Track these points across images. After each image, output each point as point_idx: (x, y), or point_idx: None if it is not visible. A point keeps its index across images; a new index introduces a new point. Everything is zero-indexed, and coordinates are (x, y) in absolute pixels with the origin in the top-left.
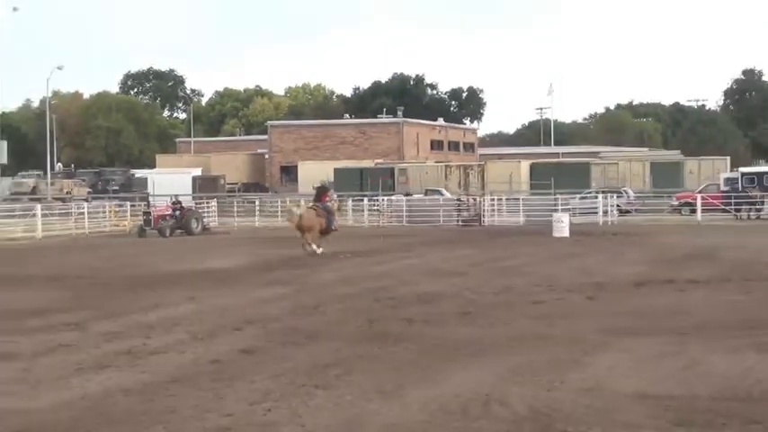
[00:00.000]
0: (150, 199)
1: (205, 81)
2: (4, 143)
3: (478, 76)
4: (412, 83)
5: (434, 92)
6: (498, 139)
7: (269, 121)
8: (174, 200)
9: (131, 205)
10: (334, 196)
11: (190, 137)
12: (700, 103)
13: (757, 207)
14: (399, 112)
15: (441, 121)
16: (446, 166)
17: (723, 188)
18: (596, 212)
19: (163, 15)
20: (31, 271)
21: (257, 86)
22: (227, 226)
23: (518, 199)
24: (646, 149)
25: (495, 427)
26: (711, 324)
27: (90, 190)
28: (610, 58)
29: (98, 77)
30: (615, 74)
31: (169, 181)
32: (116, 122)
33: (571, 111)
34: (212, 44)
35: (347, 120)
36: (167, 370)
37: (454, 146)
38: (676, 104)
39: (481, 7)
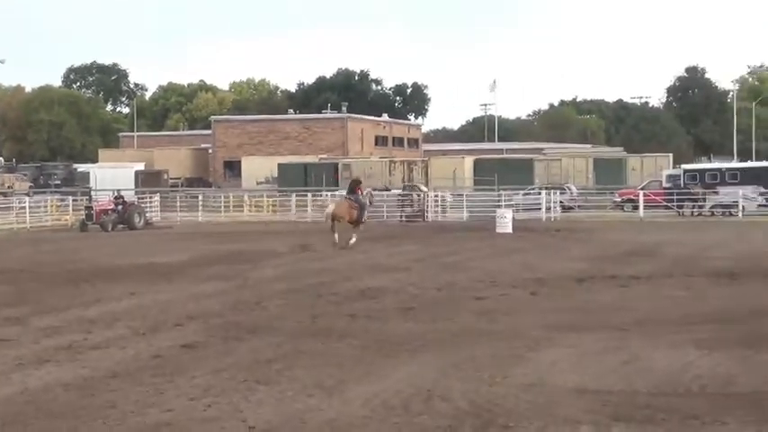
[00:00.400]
0: (92, 193)
1: (149, 75)
2: None
3: (423, 72)
4: (357, 78)
5: (379, 87)
6: (442, 135)
7: (213, 116)
8: (116, 194)
9: (73, 200)
10: (368, 190)
11: (133, 131)
12: (643, 101)
13: (699, 204)
14: (344, 108)
15: (385, 117)
16: (390, 161)
17: (666, 185)
18: (539, 209)
19: (107, 9)
20: None
21: (201, 81)
22: (169, 221)
23: (462, 195)
24: (589, 146)
25: (436, 423)
26: (653, 320)
27: (31, 184)
28: (554, 55)
29: (40, 71)
30: (559, 71)
31: (111, 175)
32: (58, 116)
33: (515, 107)
34: (156, 38)
35: (291, 115)
36: (108, 365)
37: (398, 141)
38: (620, 101)
39: (426, 3)
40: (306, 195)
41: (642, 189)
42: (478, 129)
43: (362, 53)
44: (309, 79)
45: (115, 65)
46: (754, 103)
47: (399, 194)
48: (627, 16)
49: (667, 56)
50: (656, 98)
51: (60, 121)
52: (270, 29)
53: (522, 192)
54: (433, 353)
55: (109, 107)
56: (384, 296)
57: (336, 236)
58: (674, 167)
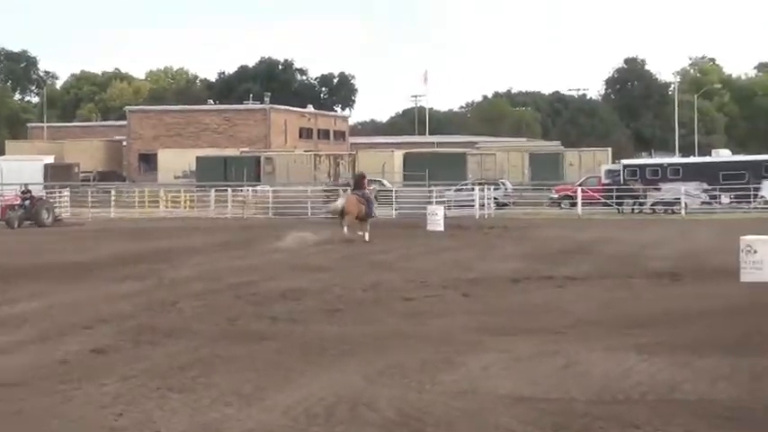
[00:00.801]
0: None
1: (60, 63)
2: None
3: (350, 62)
4: (280, 68)
5: (304, 78)
6: (371, 128)
7: (127, 106)
8: (23, 189)
9: None
10: (372, 186)
11: (42, 122)
12: (581, 93)
13: (640, 201)
14: (266, 99)
15: (310, 109)
16: (315, 155)
17: (605, 181)
18: (473, 205)
19: None
20: None
21: (116, 69)
22: (80, 217)
23: (390, 190)
24: (524, 140)
25: None
26: (590, 322)
27: None
28: (488, 46)
29: None
30: (493, 62)
31: (18, 168)
32: None
33: (447, 99)
34: (68, 24)
35: (211, 106)
36: (12, 371)
37: (324, 134)
38: (556, 93)
39: None
40: (225, 191)
41: (580, 185)
42: (409, 121)
43: (286, 42)
44: (230, 68)
45: (24, 52)
46: (696, 96)
47: (324, 190)
48: (564, 5)
49: (606, 47)
50: (595, 90)
51: None
52: (189, 15)
53: (454, 187)
54: (358, 358)
55: (17, 96)
56: (307, 297)
57: (346, 229)
58: (613, 162)
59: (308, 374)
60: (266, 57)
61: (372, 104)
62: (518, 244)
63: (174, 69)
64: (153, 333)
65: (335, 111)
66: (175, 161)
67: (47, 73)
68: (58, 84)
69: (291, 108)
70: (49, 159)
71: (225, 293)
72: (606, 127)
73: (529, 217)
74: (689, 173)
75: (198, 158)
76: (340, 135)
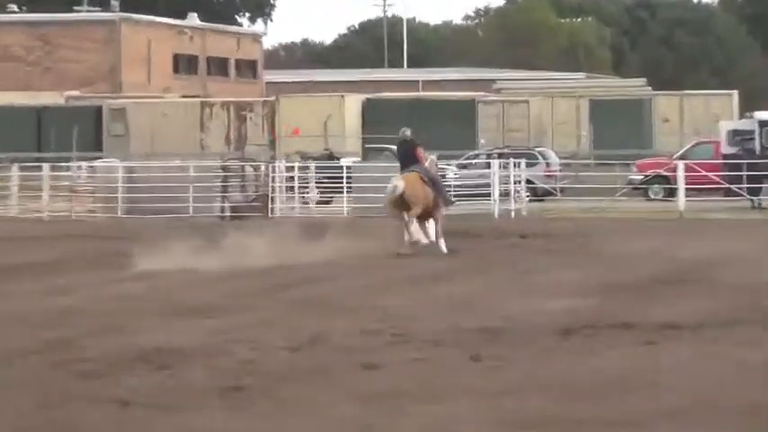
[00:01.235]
0: None
1: None
2: None
3: None
4: None
5: None
6: (303, 55)
7: None
8: None
9: None
10: (431, 157)
11: None
12: None
13: None
14: (114, 3)
15: (193, 20)
16: (204, 103)
17: (727, 150)
18: (488, 194)
19: None
20: None
21: None
22: None
23: (341, 167)
24: (581, 75)
25: None
26: (706, 408)
27: None
28: None
29: None
30: None
31: None
32: None
33: (441, 5)
34: None
35: (15, 14)
36: None
37: (219, 65)
38: None
39: None
40: (39, 169)
41: (683, 158)
42: (371, 43)
43: None
44: None
45: None
46: None
47: (222, 168)
48: None
49: None
50: None
51: None
52: None
53: (454, 162)
54: None
55: None
56: (188, 363)
57: (414, 231)
58: (741, 117)
59: None
60: None
61: (305, 15)
62: (571, 265)
63: None
64: None
65: (240, 24)
66: None
67: None
68: None
69: (160, 19)
70: None
71: (35, 358)
72: (728, 53)
73: (590, 215)
74: None
75: None
76: (248, 68)
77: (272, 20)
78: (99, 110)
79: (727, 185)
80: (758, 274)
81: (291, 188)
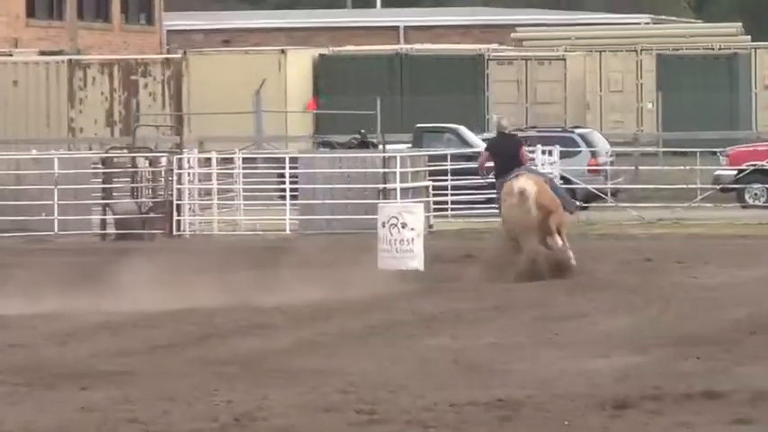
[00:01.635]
0: None
1: None
2: None
3: None
4: None
5: None
6: None
7: None
8: None
9: None
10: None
11: None
12: None
13: None
14: None
15: None
16: (73, 62)
17: None
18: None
19: None
20: None
21: None
22: None
23: (283, 157)
24: (645, 18)
25: None
26: None
27: None
28: None
29: None
30: None
31: None
32: None
33: None
34: None
35: None
36: None
37: (96, 6)
38: None
39: None
40: None
41: None
42: None
43: None
44: None
45: None
46: None
47: (102, 161)
48: None
49: None
50: None
51: None
52: None
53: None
54: None
55: None
56: None
57: (559, 242)
58: None
59: None
60: None
61: None
62: (626, 306)
63: None
64: None
65: None
66: None
67: None
68: None
69: None
70: None
71: None
72: None
73: (657, 230)
74: None
75: None
76: (140, 8)
77: None
78: None
79: None
80: None
81: (208, 192)
